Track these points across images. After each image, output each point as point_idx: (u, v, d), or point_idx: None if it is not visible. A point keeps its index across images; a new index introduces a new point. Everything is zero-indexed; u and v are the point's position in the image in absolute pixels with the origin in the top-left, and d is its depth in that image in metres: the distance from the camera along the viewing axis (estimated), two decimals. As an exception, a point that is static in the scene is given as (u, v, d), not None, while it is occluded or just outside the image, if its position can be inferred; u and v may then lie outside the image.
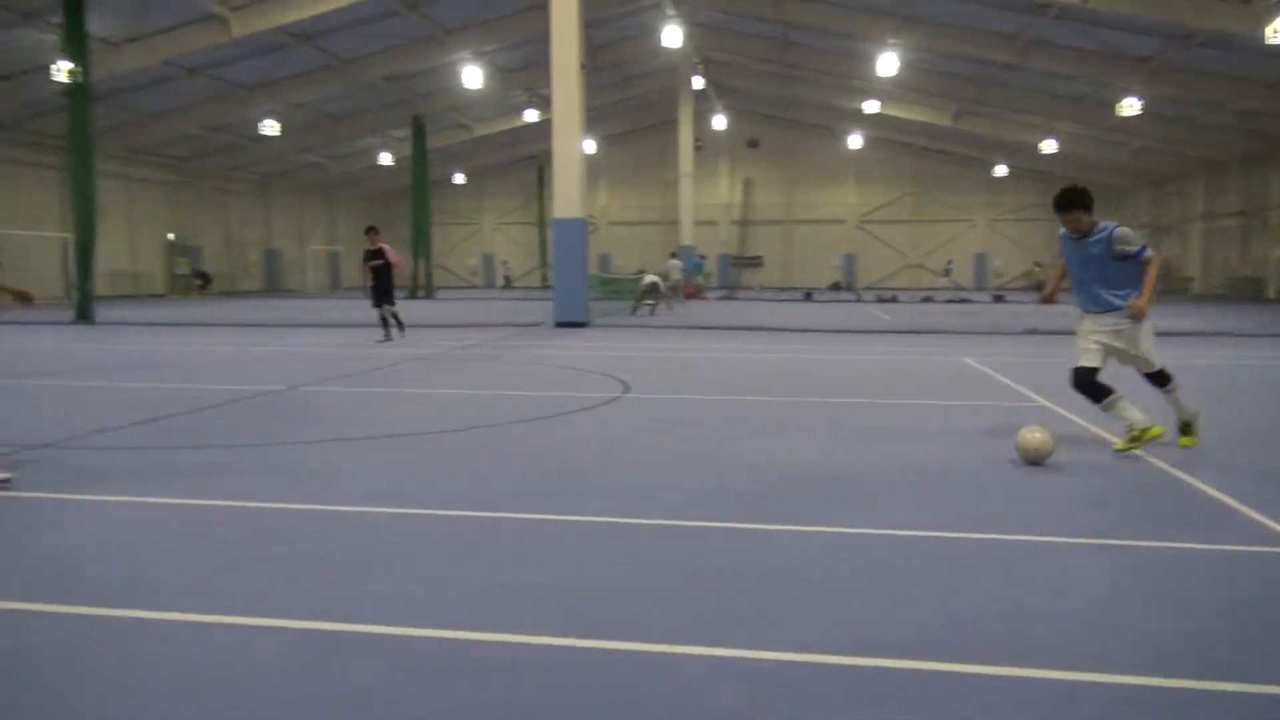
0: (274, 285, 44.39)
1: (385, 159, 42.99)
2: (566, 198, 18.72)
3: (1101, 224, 6.19)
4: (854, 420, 7.73)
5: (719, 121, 43.05)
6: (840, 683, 2.82)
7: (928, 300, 33.00)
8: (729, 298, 36.64)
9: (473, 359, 12.84)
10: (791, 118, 47.26)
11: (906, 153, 48.05)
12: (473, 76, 29.20)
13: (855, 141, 45.67)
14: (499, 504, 4.88)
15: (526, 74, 34.40)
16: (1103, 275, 6.16)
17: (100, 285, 23.85)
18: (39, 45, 23.60)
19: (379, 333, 15.33)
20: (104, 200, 21.49)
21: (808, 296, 35.78)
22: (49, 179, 31.33)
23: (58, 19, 20.53)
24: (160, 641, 3.13)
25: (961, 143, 43.50)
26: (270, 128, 32.61)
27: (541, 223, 49.65)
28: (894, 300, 32.95)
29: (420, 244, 36.91)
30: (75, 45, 19.30)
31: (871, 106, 37.09)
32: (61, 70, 19.99)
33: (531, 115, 39.52)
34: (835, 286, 47.21)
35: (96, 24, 21.37)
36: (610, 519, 4.63)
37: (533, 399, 8.96)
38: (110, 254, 31.66)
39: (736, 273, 50.25)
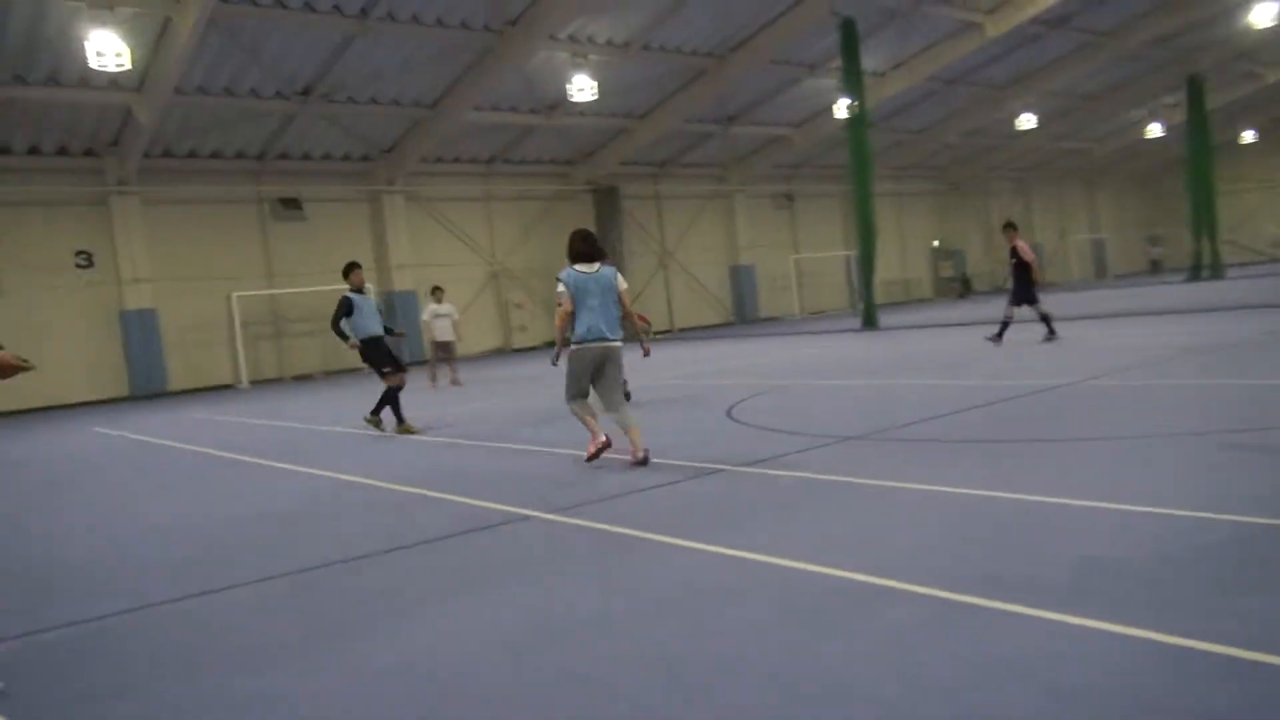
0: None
1: (1154, 130, 39.12)
2: None
3: None
4: None
5: None
6: None
7: None
8: None
9: (1291, 344, 10.73)
10: None
11: None
12: (1264, 13, 24.77)
13: None
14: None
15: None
16: None
17: (876, 293, 26.33)
18: (821, 90, 27.19)
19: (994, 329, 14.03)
20: (878, 217, 23.70)
21: None
22: (832, 206, 35.88)
23: (836, 64, 23.37)
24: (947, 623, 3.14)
25: None
26: (1027, 121, 32.26)
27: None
28: None
29: (1202, 218, 32.50)
30: (852, 82, 21.66)
31: None
32: (841, 107, 22.61)
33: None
34: None
35: (867, 60, 23.68)
36: None
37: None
38: (884, 264, 34.81)
39: None
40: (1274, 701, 2.48)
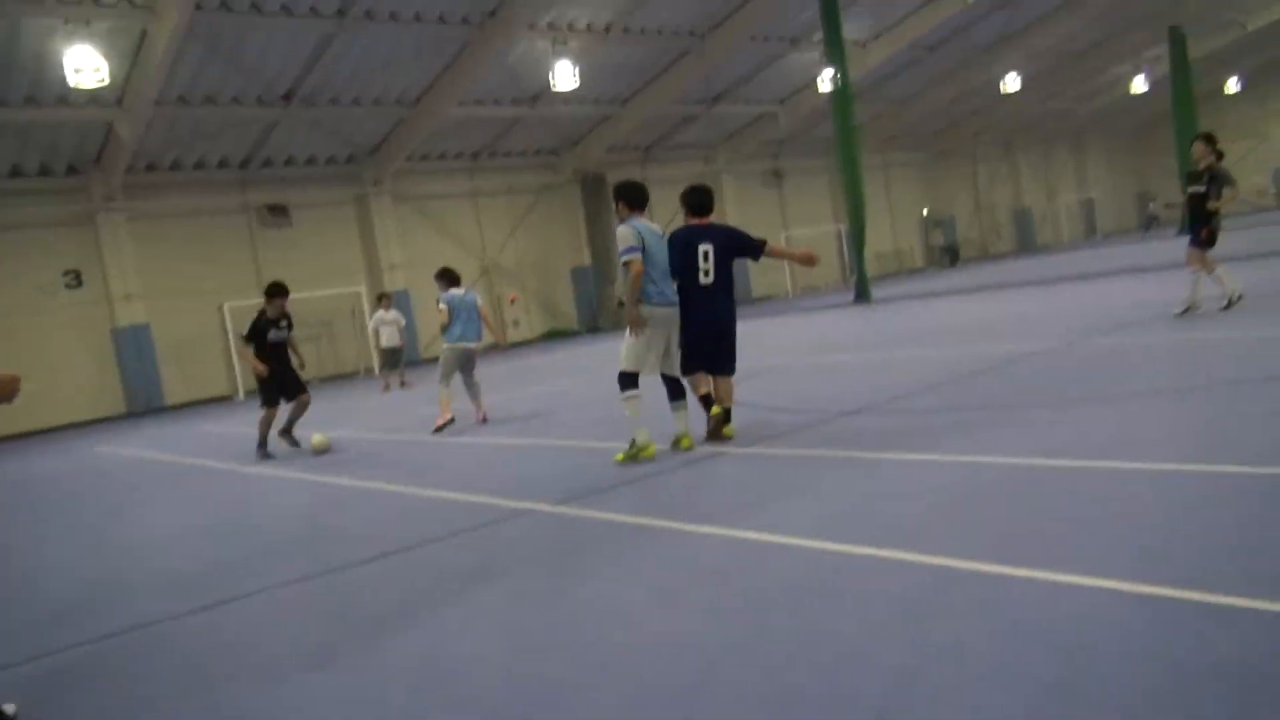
0: (1025, 245, 43.73)
1: (1138, 85, 38.96)
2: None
3: None
4: None
5: None
6: None
7: None
8: None
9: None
10: None
11: None
12: (1243, -39, 24.62)
13: None
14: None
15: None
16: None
17: (869, 266, 26.28)
18: (804, 64, 27.07)
19: None
20: (867, 188, 23.59)
21: None
22: (820, 180, 35.82)
23: (819, 36, 23.25)
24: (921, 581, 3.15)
25: None
26: (1012, 83, 32.17)
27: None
28: None
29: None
30: (835, 52, 21.52)
31: None
32: (824, 79, 22.50)
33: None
34: None
35: (849, 28, 23.53)
36: None
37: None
38: (874, 237, 34.75)
39: None
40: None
